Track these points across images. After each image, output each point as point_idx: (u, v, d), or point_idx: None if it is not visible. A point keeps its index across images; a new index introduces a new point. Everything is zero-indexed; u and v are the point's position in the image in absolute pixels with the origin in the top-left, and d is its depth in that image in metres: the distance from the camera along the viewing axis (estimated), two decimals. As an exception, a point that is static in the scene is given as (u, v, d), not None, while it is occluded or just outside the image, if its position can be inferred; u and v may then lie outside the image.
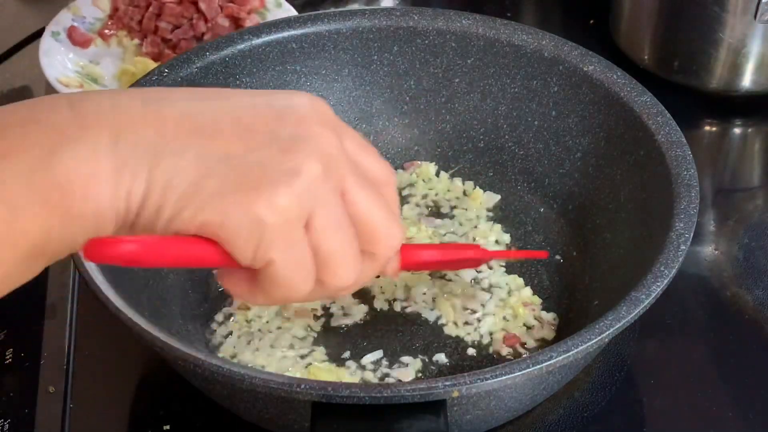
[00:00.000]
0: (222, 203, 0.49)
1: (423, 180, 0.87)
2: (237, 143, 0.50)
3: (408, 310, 0.77)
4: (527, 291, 0.78)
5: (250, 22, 0.99)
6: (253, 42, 0.83)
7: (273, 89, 0.79)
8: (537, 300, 0.77)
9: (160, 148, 0.48)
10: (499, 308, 0.77)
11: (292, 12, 1.01)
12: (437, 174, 0.88)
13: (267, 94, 0.54)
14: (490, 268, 0.80)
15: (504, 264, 0.80)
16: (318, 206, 0.51)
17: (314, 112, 0.53)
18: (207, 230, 0.49)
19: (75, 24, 1.00)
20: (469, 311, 0.77)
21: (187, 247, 0.50)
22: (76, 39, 0.99)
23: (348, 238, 0.53)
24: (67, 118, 0.48)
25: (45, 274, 0.79)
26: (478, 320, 0.76)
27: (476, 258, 0.71)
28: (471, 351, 0.74)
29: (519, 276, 0.79)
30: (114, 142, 0.48)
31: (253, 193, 0.49)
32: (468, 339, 0.75)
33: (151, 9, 1.00)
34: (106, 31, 1.01)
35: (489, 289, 0.78)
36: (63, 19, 1.00)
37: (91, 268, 0.65)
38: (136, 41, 0.99)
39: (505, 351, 0.74)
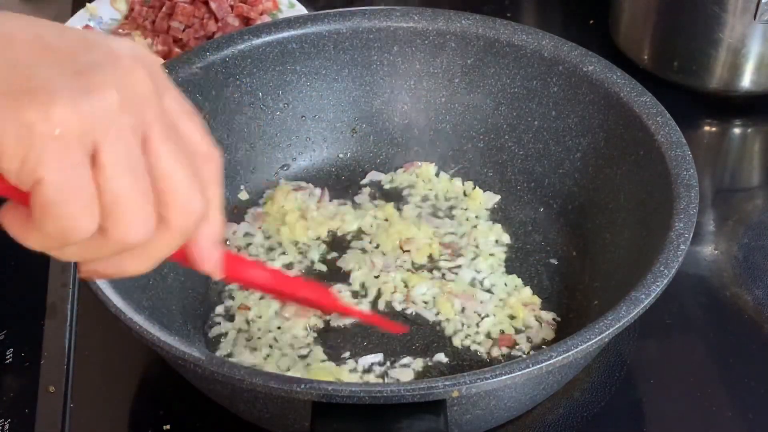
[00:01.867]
0: None
1: (423, 180, 0.87)
2: (27, 54, 0.45)
3: (408, 310, 0.77)
4: (527, 291, 0.78)
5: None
6: (253, 42, 0.83)
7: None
8: (537, 300, 0.77)
9: None
10: (499, 308, 0.77)
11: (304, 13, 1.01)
12: (437, 174, 0.88)
13: (92, 32, 0.50)
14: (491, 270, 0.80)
15: (503, 264, 0.80)
16: (108, 139, 0.45)
17: (132, 51, 0.48)
18: None
19: (91, 24, 1.01)
20: (468, 311, 0.77)
21: None
22: None
23: (139, 186, 0.46)
24: None
25: (45, 274, 0.79)
26: (478, 320, 0.76)
27: (320, 304, 0.67)
28: (471, 351, 0.74)
29: (518, 276, 0.79)
30: None
31: (27, 97, 0.44)
32: (468, 339, 0.75)
33: (164, 9, 1.01)
34: (120, 30, 1.02)
35: (490, 289, 0.78)
36: (79, 19, 1.02)
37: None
38: (149, 40, 1.00)
39: (496, 352, 0.74)
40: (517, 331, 0.76)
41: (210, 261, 0.53)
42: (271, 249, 0.81)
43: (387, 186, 0.87)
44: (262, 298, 0.77)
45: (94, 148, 0.45)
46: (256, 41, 0.84)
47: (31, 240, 0.47)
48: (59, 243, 0.47)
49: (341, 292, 0.78)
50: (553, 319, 0.76)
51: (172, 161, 0.47)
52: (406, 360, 0.73)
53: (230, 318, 0.76)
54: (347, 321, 0.76)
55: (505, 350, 0.74)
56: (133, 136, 0.46)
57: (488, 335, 0.75)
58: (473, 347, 0.74)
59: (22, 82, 0.44)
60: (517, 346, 0.74)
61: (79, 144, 0.44)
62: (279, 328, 0.75)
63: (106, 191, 0.45)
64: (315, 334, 0.75)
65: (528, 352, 0.74)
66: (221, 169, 0.52)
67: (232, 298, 0.78)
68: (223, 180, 0.52)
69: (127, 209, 0.46)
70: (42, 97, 0.44)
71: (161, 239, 0.48)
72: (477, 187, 0.86)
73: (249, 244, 0.82)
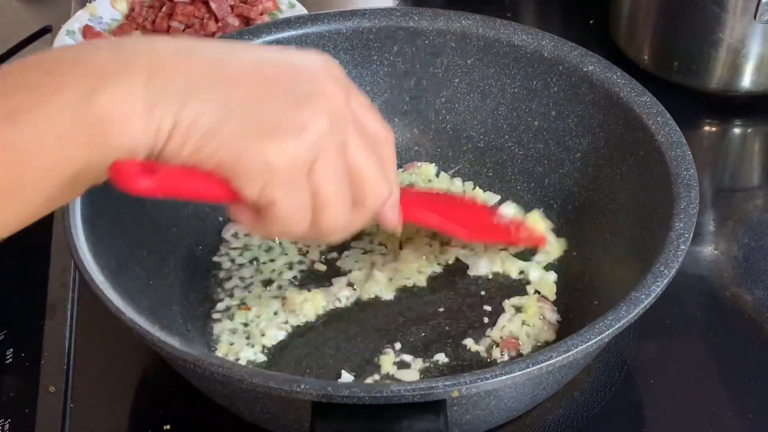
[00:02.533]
0: (238, 145, 0.54)
1: (423, 181, 0.87)
2: (256, 93, 0.56)
3: (411, 309, 0.77)
4: (551, 287, 0.78)
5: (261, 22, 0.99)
6: (253, 42, 0.83)
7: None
8: (551, 296, 0.78)
9: (188, 91, 0.54)
10: (512, 308, 0.77)
11: (304, 13, 1.01)
12: (437, 174, 0.88)
13: (287, 52, 0.60)
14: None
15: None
16: (321, 156, 0.56)
17: (327, 71, 0.58)
18: (222, 167, 0.55)
19: (90, 23, 1.01)
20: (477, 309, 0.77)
21: (201, 181, 0.56)
22: (90, 37, 1.00)
23: (342, 187, 0.59)
24: (107, 59, 0.54)
25: (45, 274, 0.79)
26: (485, 319, 0.76)
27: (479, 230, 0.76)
28: (471, 352, 0.74)
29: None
30: (147, 83, 0.53)
31: (266, 140, 0.55)
32: (469, 341, 0.75)
33: (164, 9, 1.01)
34: (121, 31, 1.02)
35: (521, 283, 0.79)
36: (79, 19, 1.02)
37: (92, 269, 0.65)
38: None
39: (496, 353, 0.74)
40: (520, 331, 0.76)
41: (392, 222, 0.68)
42: (270, 248, 0.81)
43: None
44: (259, 297, 0.78)
45: (311, 164, 0.56)
46: (256, 41, 0.84)
47: (256, 232, 0.65)
48: (281, 236, 0.64)
49: (341, 291, 0.78)
50: (554, 320, 0.76)
51: (365, 160, 0.60)
52: (407, 359, 0.73)
53: (230, 317, 0.76)
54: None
55: (506, 354, 0.74)
56: (337, 149, 0.57)
57: (490, 336, 0.75)
58: (474, 348, 0.74)
59: (257, 122, 0.55)
60: (515, 351, 0.74)
61: (303, 168, 0.56)
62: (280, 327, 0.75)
63: (318, 196, 0.58)
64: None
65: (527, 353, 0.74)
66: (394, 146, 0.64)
67: (231, 296, 0.78)
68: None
69: (333, 207, 0.59)
70: (277, 140, 0.55)
71: (357, 218, 0.61)
72: (477, 188, 0.86)
73: (248, 245, 0.82)
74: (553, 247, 0.81)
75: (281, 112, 0.56)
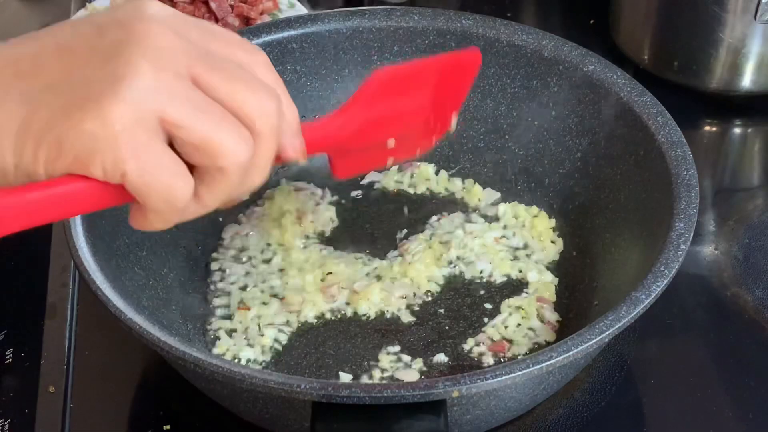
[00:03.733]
0: (53, 132, 0.48)
1: (422, 180, 0.87)
2: (58, 71, 0.49)
3: (415, 308, 0.77)
4: (550, 288, 0.78)
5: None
6: (253, 42, 0.83)
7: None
8: (552, 297, 0.78)
9: None
10: (513, 309, 0.77)
11: (304, 13, 1.01)
12: (437, 174, 0.88)
13: (95, 15, 0.53)
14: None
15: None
16: (165, 102, 0.49)
17: (137, 12, 0.51)
18: (54, 166, 0.48)
19: None
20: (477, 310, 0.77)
21: (51, 190, 0.49)
22: None
23: (215, 117, 0.50)
24: None
25: (45, 274, 0.79)
26: (485, 319, 0.76)
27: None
28: (472, 352, 0.74)
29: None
30: None
31: (79, 112, 0.48)
32: (469, 341, 0.75)
33: (164, 9, 1.01)
34: None
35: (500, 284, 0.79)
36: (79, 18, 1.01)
37: (92, 269, 0.65)
38: None
39: (485, 358, 0.74)
40: (517, 333, 0.76)
41: (295, 150, 0.57)
42: (266, 249, 0.81)
43: (386, 186, 0.87)
44: (259, 298, 0.78)
45: (158, 116, 0.49)
46: (256, 41, 0.83)
47: (158, 223, 0.52)
48: (178, 211, 0.52)
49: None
50: (554, 320, 0.76)
51: (227, 82, 0.51)
52: (406, 359, 0.73)
53: (230, 317, 0.76)
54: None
55: (493, 356, 0.74)
56: (183, 86, 0.49)
57: (489, 335, 0.75)
58: (474, 348, 0.74)
59: (66, 99, 0.48)
60: (507, 353, 0.74)
61: (140, 125, 0.48)
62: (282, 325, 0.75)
63: (191, 142, 0.50)
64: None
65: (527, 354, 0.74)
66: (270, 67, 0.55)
67: (230, 296, 0.77)
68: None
69: (216, 142, 0.50)
70: (90, 105, 0.48)
71: (261, 148, 0.52)
72: (476, 184, 0.86)
73: (247, 245, 0.82)
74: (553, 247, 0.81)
75: (90, 75, 0.48)
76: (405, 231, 0.83)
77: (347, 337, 0.75)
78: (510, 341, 0.75)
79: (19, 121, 0.48)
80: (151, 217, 0.52)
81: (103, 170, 0.48)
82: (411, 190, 0.87)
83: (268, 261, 0.80)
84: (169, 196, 0.50)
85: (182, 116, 0.49)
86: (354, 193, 0.87)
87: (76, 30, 0.51)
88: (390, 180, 0.87)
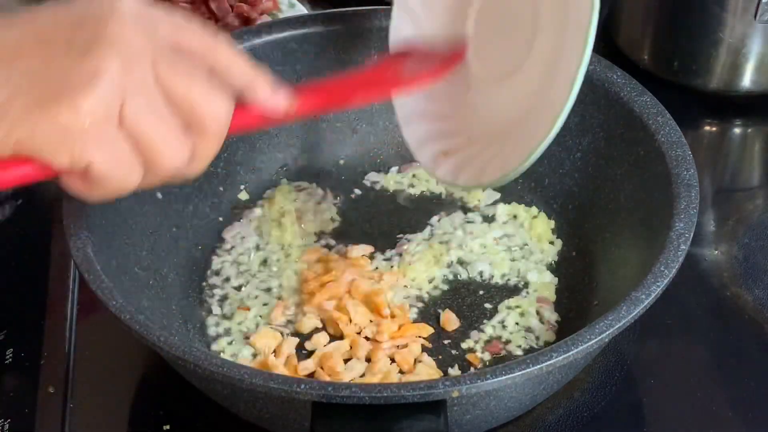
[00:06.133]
0: (29, 119, 0.52)
1: (421, 180, 0.87)
2: (37, 58, 0.53)
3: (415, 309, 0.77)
4: (550, 288, 0.78)
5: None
6: (253, 42, 0.83)
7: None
8: (552, 297, 0.78)
9: None
10: (513, 310, 0.77)
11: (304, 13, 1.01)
12: (437, 174, 0.88)
13: (72, 5, 0.56)
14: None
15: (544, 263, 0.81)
16: (127, 99, 0.53)
17: (112, 11, 0.54)
18: (22, 147, 0.52)
19: None
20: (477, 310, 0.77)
21: (6, 168, 0.53)
22: None
23: (163, 119, 0.55)
24: None
25: (45, 274, 0.79)
26: (485, 319, 0.76)
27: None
28: (471, 352, 0.74)
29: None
30: None
31: (55, 104, 0.52)
32: (469, 341, 0.75)
33: (164, 9, 1.01)
34: None
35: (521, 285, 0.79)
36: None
37: (92, 269, 0.65)
38: None
39: (484, 358, 0.74)
40: (522, 327, 0.76)
41: (280, 103, 0.62)
42: (266, 249, 0.81)
43: (386, 186, 0.87)
44: (258, 298, 0.78)
45: (119, 111, 0.53)
46: (256, 41, 0.84)
47: (96, 197, 0.56)
48: (118, 193, 0.56)
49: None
50: (554, 320, 0.76)
51: (184, 82, 0.55)
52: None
53: (229, 318, 0.76)
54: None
55: (492, 356, 0.74)
56: (145, 85, 0.54)
57: (487, 335, 0.75)
58: (474, 348, 0.74)
59: (43, 88, 0.52)
60: (506, 353, 0.74)
61: (107, 120, 0.52)
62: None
63: (139, 138, 0.54)
64: (315, 334, 0.75)
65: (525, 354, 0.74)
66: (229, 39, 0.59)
67: (230, 296, 0.78)
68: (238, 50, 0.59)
69: (160, 143, 0.55)
70: (67, 100, 0.52)
71: (203, 145, 0.57)
72: None
73: (247, 246, 0.82)
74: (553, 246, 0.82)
75: (66, 68, 0.52)
76: (405, 231, 0.83)
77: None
78: (509, 341, 0.75)
79: None
80: (96, 193, 0.56)
81: (70, 160, 0.53)
82: (411, 190, 0.87)
83: (268, 261, 0.80)
84: (123, 183, 0.55)
85: (135, 114, 0.54)
86: (354, 193, 0.87)
87: (55, 19, 0.55)
88: (390, 180, 0.88)
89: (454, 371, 0.72)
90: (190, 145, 0.56)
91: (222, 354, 0.73)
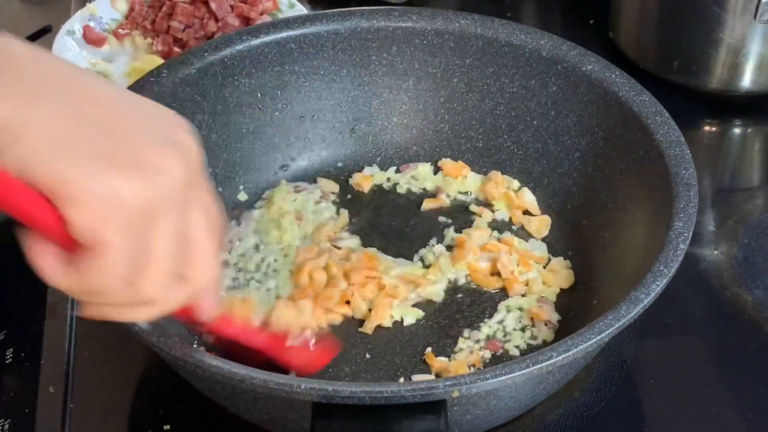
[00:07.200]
0: (88, 166, 0.48)
1: (421, 180, 0.87)
2: (117, 119, 0.50)
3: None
4: (550, 288, 0.78)
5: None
6: (252, 42, 0.83)
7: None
8: (552, 297, 0.78)
9: (44, 90, 0.48)
10: (513, 309, 0.77)
11: (304, 13, 1.01)
12: (435, 174, 0.88)
13: (143, 98, 0.55)
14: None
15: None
16: (165, 210, 0.51)
17: (183, 128, 0.54)
18: (57, 185, 0.48)
19: (91, 23, 1.02)
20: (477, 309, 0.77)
21: (18, 193, 0.48)
22: (90, 37, 1.01)
23: (173, 252, 0.52)
24: None
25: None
26: (485, 319, 0.76)
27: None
28: (471, 352, 0.74)
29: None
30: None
31: (120, 170, 0.49)
32: (468, 341, 0.75)
33: (164, 9, 1.01)
34: (120, 30, 1.02)
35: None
36: (79, 18, 1.02)
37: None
38: (149, 40, 1.01)
39: (485, 354, 0.74)
40: (522, 327, 0.76)
41: (209, 310, 0.60)
42: (265, 250, 0.81)
43: (386, 186, 0.87)
44: (261, 298, 0.78)
45: (151, 217, 0.50)
46: (255, 41, 0.84)
47: (64, 284, 0.51)
48: (91, 293, 0.51)
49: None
50: (554, 320, 0.76)
51: (204, 232, 0.54)
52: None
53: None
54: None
55: (492, 356, 0.74)
56: (181, 210, 0.52)
57: (486, 335, 0.75)
58: (473, 348, 0.74)
59: (114, 150, 0.49)
60: (506, 352, 0.74)
61: (145, 216, 0.49)
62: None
63: (147, 251, 0.50)
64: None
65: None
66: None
67: (230, 296, 0.78)
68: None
69: (158, 270, 0.51)
70: (132, 172, 0.49)
71: (176, 293, 0.54)
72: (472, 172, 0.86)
73: (247, 247, 0.82)
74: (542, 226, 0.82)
75: (141, 146, 0.50)
76: (405, 231, 0.83)
77: (347, 337, 0.75)
78: (509, 341, 0.75)
79: (64, 132, 0.48)
80: (66, 279, 0.52)
81: (90, 223, 0.48)
82: (410, 190, 0.87)
83: (267, 262, 0.80)
84: (111, 283, 0.51)
85: (162, 228, 0.51)
86: (353, 194, 0.87)
87: (136, 100, 0.54)
88: (390, 180, 0.88)
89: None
90: (168, 287, 0.53)
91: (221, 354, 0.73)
